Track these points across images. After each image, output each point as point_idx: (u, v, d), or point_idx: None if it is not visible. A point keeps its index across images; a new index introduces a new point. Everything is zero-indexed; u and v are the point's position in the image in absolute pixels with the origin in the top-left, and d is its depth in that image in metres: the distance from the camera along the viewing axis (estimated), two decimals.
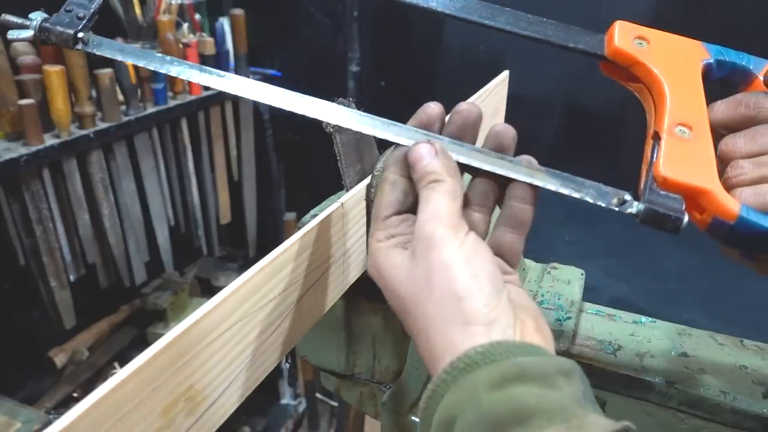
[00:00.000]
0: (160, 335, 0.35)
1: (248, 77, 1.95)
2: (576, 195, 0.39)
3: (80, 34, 0.45)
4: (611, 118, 1.52)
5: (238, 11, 1.77)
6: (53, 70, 1.31)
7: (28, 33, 0.45)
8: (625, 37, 0.44)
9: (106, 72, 1.42)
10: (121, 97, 1.50)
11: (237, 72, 1.83)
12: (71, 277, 1.51)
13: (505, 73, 0.96)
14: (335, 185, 0.58)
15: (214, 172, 1.90)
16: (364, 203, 0.53)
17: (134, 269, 1.70)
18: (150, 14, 1.62)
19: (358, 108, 0.49)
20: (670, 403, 0.56)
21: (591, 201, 0.39)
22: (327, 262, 0.50)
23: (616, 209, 0.39)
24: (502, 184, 0.41)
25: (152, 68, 0.44)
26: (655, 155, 0.39)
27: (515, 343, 0.33)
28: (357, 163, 0.51)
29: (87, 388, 1.64)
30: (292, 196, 2.14)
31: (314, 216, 0.58)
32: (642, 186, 0.39)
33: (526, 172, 0.40)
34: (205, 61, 1.69)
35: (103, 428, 0.30)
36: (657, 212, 0.37)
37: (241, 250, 2.18)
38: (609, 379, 0.57)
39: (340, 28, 1.79)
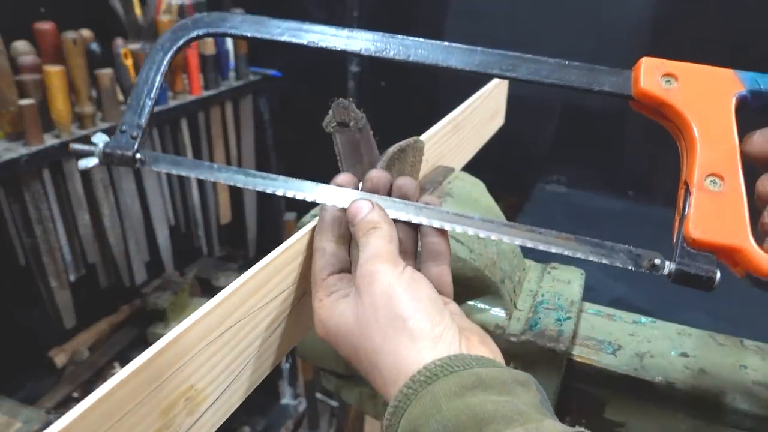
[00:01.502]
0: (160, 335, 0.35)
1: (248, 77, 1.93)
2: (606, 261, 0.40)
3: (138, 155, 0.49)
4: (611, 118, 1.52)
5: (238, 11, 1.77)
6: (53, 70, 1.31)
7: (95, 161, 0.49)
8: (651, 76, 0.42)
9: (106, 72, 1.41)
10: (121, 97, 1.50)
11: (237, 72, 1.83)
12: (71, 277, 1.51)
13: None
14: None
15: None
16: None
17: (134, 269, 1.70)
18: (150, 14, 1.62)
19: (358, 108, 0.50)
20: (670, 403, 0.56)
21: (621, 266, 0.40)
22: None
23: (647, 272, 0.39)
24: (415, 228, 0.45)
25: (203, 177, 0.49)
26: (686, 209, 0.39)
27: (471, 356, 0.35)
28: (357, 163, 0.51)
29: (87, 388, 1.64)
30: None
31: (314, 216, 0.58)
32: (674, 241, 0.39)
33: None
34: (205, 60, 1.69)
35: (103, 428, 0.30)
36: (688, 273, 0.38)
37: (241, 250, 2.17)
38: (609, 379, 0.57)
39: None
